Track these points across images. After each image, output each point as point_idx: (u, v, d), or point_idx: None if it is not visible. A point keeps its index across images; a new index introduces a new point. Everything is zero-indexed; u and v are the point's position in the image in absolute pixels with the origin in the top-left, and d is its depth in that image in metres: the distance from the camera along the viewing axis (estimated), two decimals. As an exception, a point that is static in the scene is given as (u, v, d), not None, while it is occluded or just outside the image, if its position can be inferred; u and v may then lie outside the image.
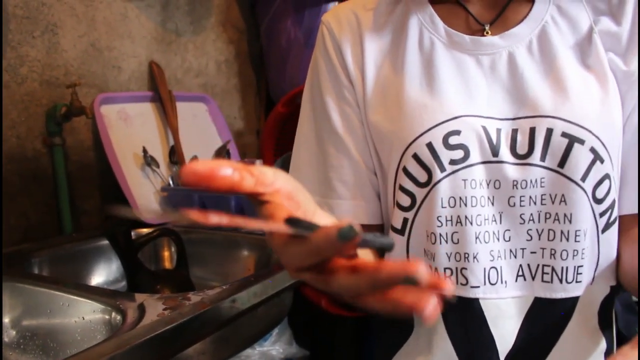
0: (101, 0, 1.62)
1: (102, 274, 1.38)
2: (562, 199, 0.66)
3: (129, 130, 1.63)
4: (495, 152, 0.67)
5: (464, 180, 0.66)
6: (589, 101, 0.68)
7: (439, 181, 0.67)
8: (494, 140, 0.67)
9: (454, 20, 0.74)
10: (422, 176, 0.68)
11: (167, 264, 1.45)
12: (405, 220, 0.71)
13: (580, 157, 0.65)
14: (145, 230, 1.48)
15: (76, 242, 1.35)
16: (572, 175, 0.66)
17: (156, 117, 1.73)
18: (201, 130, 1.87)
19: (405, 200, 0.70)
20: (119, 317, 0.86)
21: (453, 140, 0.67)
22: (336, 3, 1.94)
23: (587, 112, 0.67)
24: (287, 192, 0.42)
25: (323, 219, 0.45)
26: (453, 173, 0.66)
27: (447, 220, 0.68)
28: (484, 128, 0.67)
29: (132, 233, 1.33)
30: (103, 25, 1.62)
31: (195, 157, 1.66)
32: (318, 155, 0.78)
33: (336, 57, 0.76)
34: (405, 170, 0.69)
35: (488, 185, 0.67)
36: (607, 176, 0.67)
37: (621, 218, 0.72)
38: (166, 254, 1.51)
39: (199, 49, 1.96)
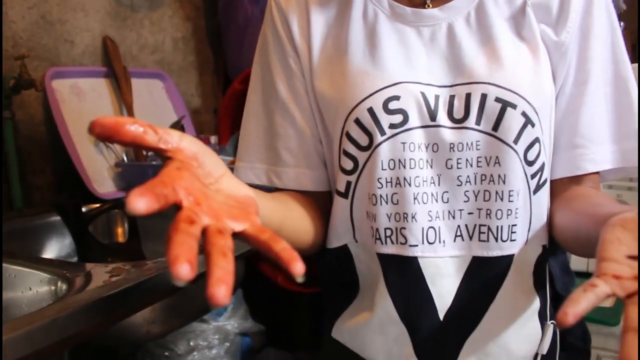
0: (52, -29, 1.58)
1: (54, 249, 1.37)
2: (497, 161, 0.69)
3: (82, 105, 1.61)
4: (433, 116, 0.69)
5: (403, 143, 0.69)
6: (521, 69, 0.71)
7: (379, 144, 0.69)
8: (432, 106, 0.70)
9: None
10: (363, 140, 0.70)
11: (121, 239, 1.45)
12: (349, 183, 0.73)
13: (513, 120, 0.68)
14: (97, 205, 1.48)
15: (27, 217, 1.33)
16: (505, 138, 0.69)
17: (110, 93, 1.70)
18: (157, 107, 1.85)
19: (349, 164, 0.72)
20: (64, 286, 0.86)
21: (393, 105, 0.69)
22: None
23: (519, 78, 0.70)
24: (191, 152, 0.47)
25: (230, 183, 0.49)
26: (393, 137, 0.69)
27: (387, 182, 0.70)
28: (423, 94, 0.70)
29: (84, 208, 1.32)
30: (54, -3, 1.59)
31: (150, 133, 1.64)
32: (265, 125, 0.79)
33: (283, 30, 0.78)
34: (348, 135, 0.71)
35: (427, 148, 0.70)
36: (537, 139, 0.70)
37: (552, 182, 0.76)
38: (119, 229, 1.50)
39: (155, 25, 1.94)
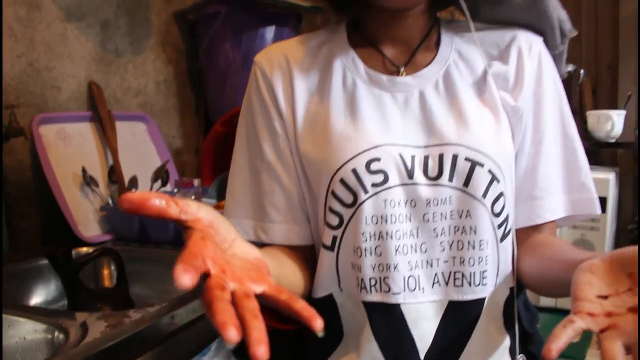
0: (40, 20, 1.63)
1: (41, 293, 1.40)
2: (468, 214, 0.77)
3: (68, 150, 1.65)
4: (410, 175, 0.77)
5: (385, 200, 0.76)
6: (486, 131, 0.79)
7: (363, 202, 0.76)
8: (409, 165, 0.77)
9: (373, 62, 0.85)
10: (348, 198, 0.77)
11: (107, 282, 1.48)
12: (335, 237, 0.79)
13: (481, 177, 0.76)
14: (85, 249, 1.51)
15: (13, 262, 1.36)
16: (475, 193, 0.76)
17: (95, 137, 1.75)
18: (140, 149, 1.90)
19: (334, 220, 0.79)
20: (61, 336, 0.89)
21: (374, 166, 0.76)
22: (273, 27, 2.02)
23: (484, 140, 0.78)
24: (208, 220, 0.51)
25: (241, 246, 0.54)
26: (375, 194, 0.76)
27: (370, 236, 0.77)
28: (400, 155, 0.77)
29: (72, 252, 1.35)
30: (42, 45, 1.64)
31: (134, 177, 1.69)
32: (251, 183, 0.85)
33: (268, 96, 0.84)
34: (333, 194, 0.78)
35: (406, 204, 0.77)
36: (502, 194, 0.78)
37: (517, 231, 0.84)
38: (105, 272, 1.54)
39: (138, 69, 2.00)
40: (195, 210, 0.50)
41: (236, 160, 0.88)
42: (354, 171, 0.76)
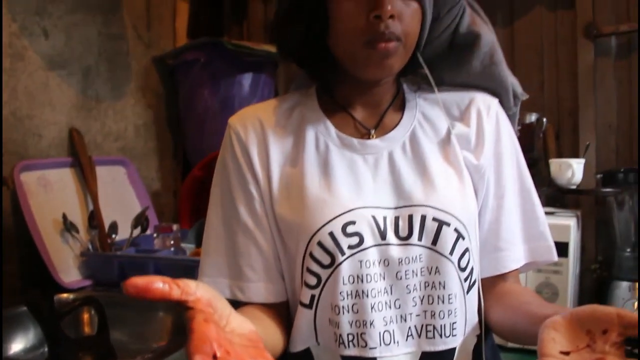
0: (23, 70, 1.68)
1: (21, 341, 1.41)
2: (437, 270, 0.81)
3: (49, 196, 1.69)
4: (383, 236, 0.81)
5: (360, 261, 0.80)
6: (451, 192, 0.85)
7: (340, 263, 0.80)
8: (382, 227, 0.82)
9: (344, 125, 0.89)
10: (326, 260, 0.81)
11: (87, 328, 1.50)
12: (313, 296, 0.84)
13: (448, 236, 0.81)
14: (66, 296, 1.54)
15: (-6, 309, 1.38)
16: (443, 251, 0.81)
17: (76, 183, 1.78)
18: (120, 193, 1.94)
19: (312, 280, 0.83)
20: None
21: (350, 229, 0.81)
22: (250, 74, 2.09)
23: (450, 200, 0.83)
24: (206, 299, 0.55)
25: (236, 321, 0.58)
26: (351, 256, 0.80)
27: (348, 295, 0.81)
28: (374, 217, 0.82)
29: (55, 298, 1.37)
30: (24, 94, 1.68)
31: (114, 223, 1.72)
32: (227, 243, 0.89)
33: (244, 159, 0.87)
34: (311, 255, 0.81)
35: (379, 263, 0.81)
36: (467, 249, 0.84)
37: (482, 280, 0.89)
38: (85, 316, 1.55)
39: (118, 113, 2.04)
40: (195, 289, 0.53)
41: (211, 220, 0.91)
42: (331, 234, 0.80)
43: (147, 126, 2.18)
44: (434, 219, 0.81)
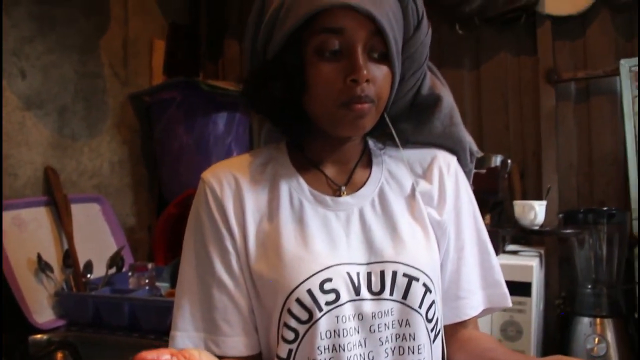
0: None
1: (-7, 384, 1.42)
2: (407, 323, 0.84)
3: (24, 235, 1.70)
4: (357, 292, 0.84)
5: (337, 316, 0.83)
6: (418, 248, 0.88)
7: (318, 319, 0.82)
8: (356, 283, 0.85)
9: (316, 182, 0.92)
10: (304, 316, 0.83)
11: (60, 369, 1.51)
12: (290, 350, 0.85)
13: (417, 291, 0.84)
14: (40, 337, 1.54)
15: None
16: (412, 305, 0.84)
17: (50, 222, 1.80)
18: (95, 230, 1.95)
19: (290, 335, 0.84)
20: None
21: (327, 286, 0.83)
22: (225, 113, 2.14)
23: (418, 256, 0.86)
24: None
25: None
26: (329, 312, 0.82)
27: (325, 349, 0.83)
28: (348, 274, 0.85)
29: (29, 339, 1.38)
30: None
31: (89, 262, 1.74)
32: (201, 297, 0.90)
33: (219, 216, 0.89)
34: (289, 311, 0.83)
35: (354, 318, 0.84)
36: (433, 301, 0.88)
37: (446, 327, 0.94)
38: (59, 355, 1.57)
39: (94, 151, 2.07)
40: (199, 358, 0.58)
41: (185, 274, 0.91)
42: (309, 291, 0.82)
43: (122, 162, 2.20)
44: (404, 275, 0.85)
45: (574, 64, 2.09)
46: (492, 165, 1.94)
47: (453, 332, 0.95)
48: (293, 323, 0.83)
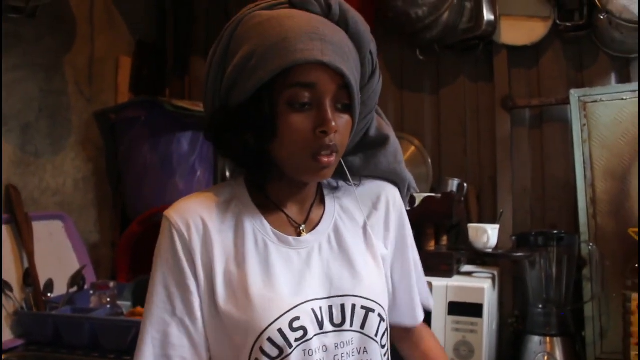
0: (-39, 129, 1.70)
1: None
2: (365, 350, 0.92)
3: (-17, 254, 1.69)
4: (321, 326, 0.90)
5: (304, 350, 0.88)
6: (372, 280, 0.95)
7: (288, 355, 0.87)
8: (320, 318, 0.90)
9: (278, 222, 0.95)
10: (275, 352, 0.87)
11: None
12: None
13: (373, 321, 0.92)
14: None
15: None
16: (370, 334, 0.92)
17: (11, 241, 1.80)
18: (57, 248, 1.96)
19: None
20: None
21: (296, 324, 0.87)
22: (189, 132, 2.17)
23: (373, 288, 0.94)
24: None
25: None
26: (297, 347, 0.87)
27: None
28: (312, 310, 0.90)
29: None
30: (-38, 153, 1.70)
31: (50, 281, 1.74)
32: (161, 333, 0.92)
33: (184, 257, 0.91)
34: (261, 349, 0.87)
35: (319, 350, 0.90)
36: (386, 329, 0.95)
37: (393, 330, 1.05)
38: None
39: (57, 168, 2.07)
40: None
41: (150, 306, 0.93)
42: (280, 330, 0.87)
43: (86, 179, 2.21)
44: (362, 307, 0.92)
45: (529, 92, 2.18)
46: (449, 189, 2.01)
47: (401, 336, 1.14)
48: (264, 359, 0.87)
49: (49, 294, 1.76)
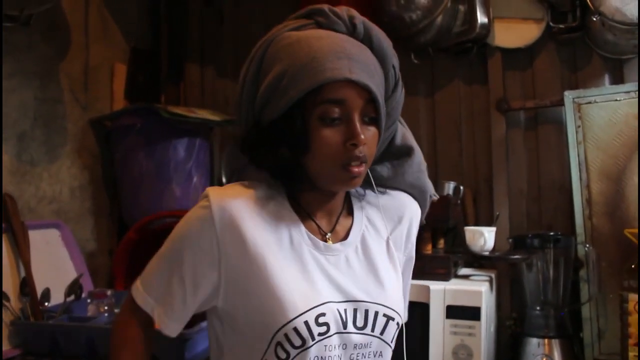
0: (-44, 139, 1.70)
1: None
2: (380, 354, 0.99)
3: (-21, 264, 1.69)
4: (345, 326, 0.95)
5: (325, 345, 0.93)
6: (394, 291, 1.02)
7: (309, 347, 0.92)
8: (344, 318, 0.95)
9: (311, 229, 1.00)
10: (297, 342, 0.92)
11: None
12: None
13: (392, 328, 0.99)
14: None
15: None
16: (387, 340, 0.99)
17: (8, 249, 1.79)
18: (54, 257, 1.95)
19: (282, 354, 0.93)
20: None
21: (321, 319, 0.93)
22: (185, 138, 2.17)
23: (394, 299, 1.01)
24: None
25: None
26: (319, 341, 0.93)
27: None
28: (337, 310, 0.95)
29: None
30: (-43, 163, 1.70)
31: (46, 290, 1.74)
32: (167, 275, 0.97)
33: (209, 238, 0.94)
34: (286, 336, 0.92)
35: (339, 347, 0.95)
36: (399, 335, 1.02)
37: None
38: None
39: (53, 176, 2.07)
40: None
41: (168, 247, 0.99)
42: (306, 323, 0.92)
43: (82, 187, 2.20)
44: (384, 315, 0.99)
45: (523, 94, 2.18)
46: (445, 192, 2.01)
47: None
48: (287, 346, 0.93)
49: (46, 303, 1.75)
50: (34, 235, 1.88)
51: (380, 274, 1.02)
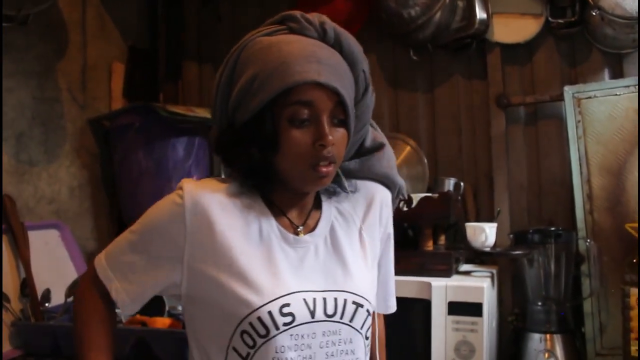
0: (-46, 139, 1.69)
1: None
2: (350, 341, 1.00)
3: (-21, 265, 1.68)
4: (312, 315, 0.96)
5: (291, 335, 0.94)
6: (363, 278, 1.04)
7: (274, 336, 0.93)
8: (312, 307, 0.97)
9: (281, 222, 1.02)
10: (262, 331, 0.93)
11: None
12: (248, 353, 0.95)
13: (361, 315, 1.01)
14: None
15: None
16: (356, 327, 1.01)
17: (7, 250, 1.79)
18: (54, 257, 1.95)
19: (250, 342, 0.94)
20: None
21: (285, 310, 0.94)
22: (184, 137, 2.16)
23: (363, 285, 1.03)
24: None
25: None
26: (285, 331, 0.94)
27: None
28: (305, 300, 0.96)
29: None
30: (-45, 164, 1.69)
31: (47, 291, 1.74)
32: (130, 255, 1.00)
33: (177, 235, 0.96)
34: (251, 325, 0.93)
35: (308, 336, 0.96)
36: (370, 323, 1.03)
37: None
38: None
39: (52, 176, 2.06)
40: None
41: (137, 225, 1.03)
42: (269, 313, 0.93)
43: (82, 187, 2.20)
44: (353, 302, 1.00)
45: (523, 89, 2.18)
46: (445, 188, 2.01)
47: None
48: (252, 334, 0.95)
49: (46, 304, 1.75)
50: (34, 236, 1.87)
51: (349, 262, 1.03)
